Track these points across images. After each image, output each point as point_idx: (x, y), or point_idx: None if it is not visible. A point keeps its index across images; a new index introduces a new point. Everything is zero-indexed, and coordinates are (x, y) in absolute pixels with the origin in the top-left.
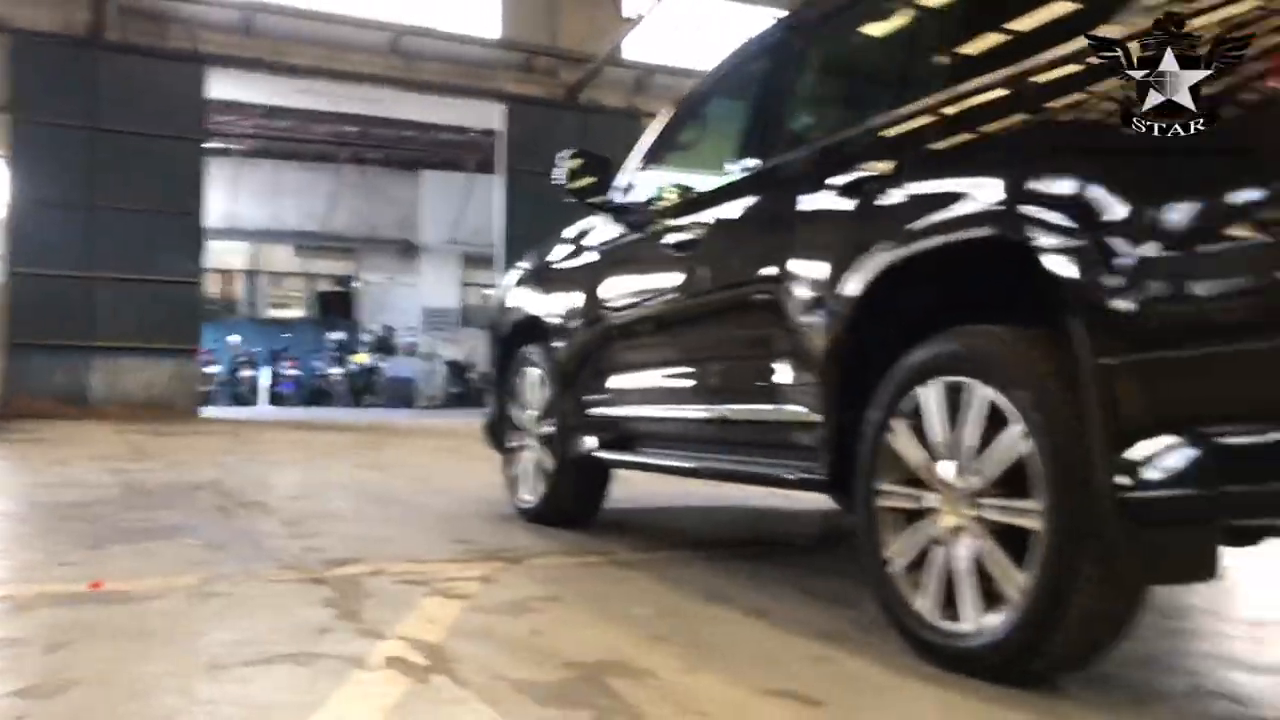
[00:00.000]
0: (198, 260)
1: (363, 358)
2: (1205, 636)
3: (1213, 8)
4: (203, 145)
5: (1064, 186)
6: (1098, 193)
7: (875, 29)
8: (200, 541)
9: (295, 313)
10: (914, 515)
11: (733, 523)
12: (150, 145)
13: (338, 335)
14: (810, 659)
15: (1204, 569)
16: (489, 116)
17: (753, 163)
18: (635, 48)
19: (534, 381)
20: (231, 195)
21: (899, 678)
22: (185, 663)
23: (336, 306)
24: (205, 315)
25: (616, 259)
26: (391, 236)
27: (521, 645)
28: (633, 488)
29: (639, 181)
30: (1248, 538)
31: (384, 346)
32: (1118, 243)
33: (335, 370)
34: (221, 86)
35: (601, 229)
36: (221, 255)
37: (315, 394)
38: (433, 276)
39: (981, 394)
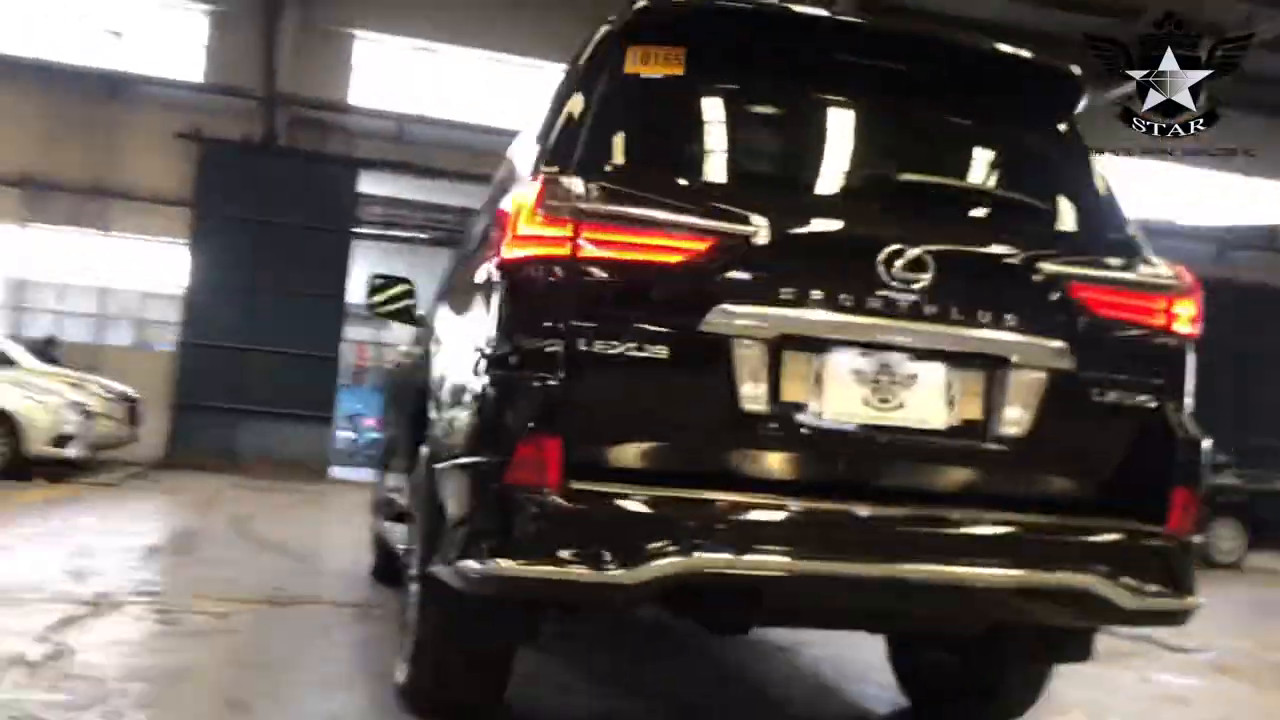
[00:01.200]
0: (337, 337)
1: None
2: None
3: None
4: (351, 233)
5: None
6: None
7: None
8: (72, 570)
9: None
10: None
11: None
12: (306, 236)
13: None
14: None
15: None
16: None
17: None
18: None
19: None
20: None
21: None
22: None
23: None
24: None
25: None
26: None
27: (137, 657)
28: None
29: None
30: (734, 627)
31: None
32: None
33: None
34: (386, 184)
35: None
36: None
37: None
38: None
39: None
